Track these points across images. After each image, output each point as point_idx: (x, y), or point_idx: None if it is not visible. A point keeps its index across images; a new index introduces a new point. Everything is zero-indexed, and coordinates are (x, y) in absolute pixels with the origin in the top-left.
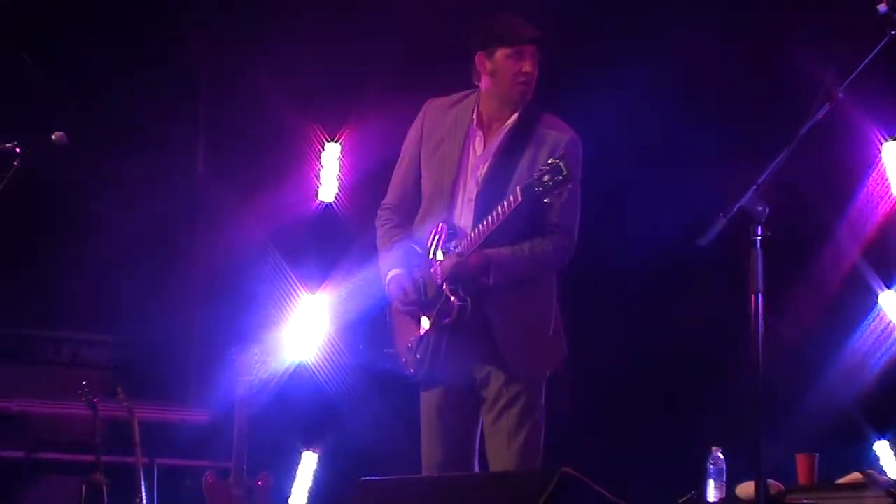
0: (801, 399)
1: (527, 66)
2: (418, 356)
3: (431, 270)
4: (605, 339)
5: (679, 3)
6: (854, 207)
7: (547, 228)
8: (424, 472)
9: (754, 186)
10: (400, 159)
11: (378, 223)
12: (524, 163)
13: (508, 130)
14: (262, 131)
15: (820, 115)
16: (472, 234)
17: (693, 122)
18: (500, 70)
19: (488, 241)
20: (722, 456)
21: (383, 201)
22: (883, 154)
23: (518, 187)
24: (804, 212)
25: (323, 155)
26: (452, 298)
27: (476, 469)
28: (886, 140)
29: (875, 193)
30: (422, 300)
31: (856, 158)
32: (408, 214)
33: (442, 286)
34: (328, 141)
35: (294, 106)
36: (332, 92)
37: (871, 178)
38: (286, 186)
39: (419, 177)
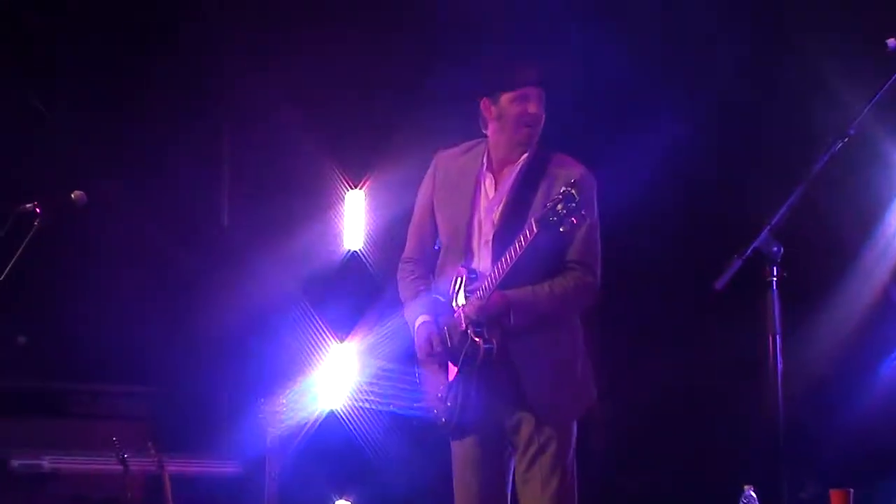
0: (835, 432)
1: (531, 108)
2: (448, 404)
3: (455, 317)
4: (637, 378)
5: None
6: (881, 232)
7: (567, 266)
8: None
9: (768, 226)
10: (415, 212)
11: (399, 276)
12: (538, 200)
13: (519, 170)
14: (286, 179)
15: (833, 151)
16: (492, 274)
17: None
18: (505, 114)
19: (509, 283)
20: (754, 494)
21: (402, 255)
22: None
23: (533, 219)
24: (830, 238)
25: (346, 202)
26: (478, 341)
27: None
28: None
29: None
30: (447, 348)
31: (883, 185)
32: (427, 265)
33: (466, 331)
34: (351, 188)
35: (318, 153)
36: (355, 139)
37: None
38: (312, 234)
39: (435, 228)
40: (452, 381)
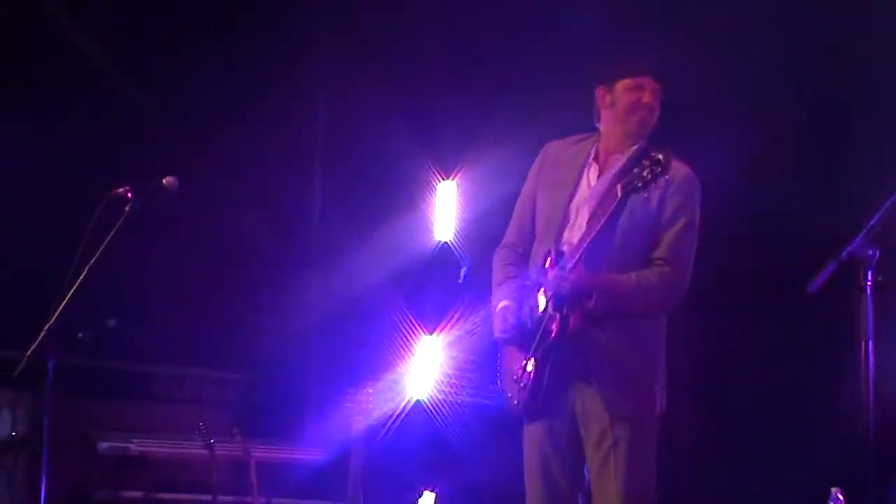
0: None
1: (646, 97)
2: (522, 384)
3: (538, 293)
4: (725, 377)
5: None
6: None
7: (653, 262)
8: None
9: (864, 230)
10: (519, 199)
11: (494, 260)
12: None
13: (625, 162)
14: (379, 170)
15: None
16: (578, 244)
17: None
18: (619, 102)
19: (595, 268)
20: (842, 497)
21: (502, 241)
22: None
23: (619, 184)
24: None
25: (438, 193)
26: (555, 313)
27: None
28: None
29: None
30: (525, 326)
31: None
32: (524, 253)
33: (546, 307)
34: (443, 179)
35: (410, 144)
36: (448, 130)
37: None
38: (404, 225)
39: (535, 215)
40: (528, 358)
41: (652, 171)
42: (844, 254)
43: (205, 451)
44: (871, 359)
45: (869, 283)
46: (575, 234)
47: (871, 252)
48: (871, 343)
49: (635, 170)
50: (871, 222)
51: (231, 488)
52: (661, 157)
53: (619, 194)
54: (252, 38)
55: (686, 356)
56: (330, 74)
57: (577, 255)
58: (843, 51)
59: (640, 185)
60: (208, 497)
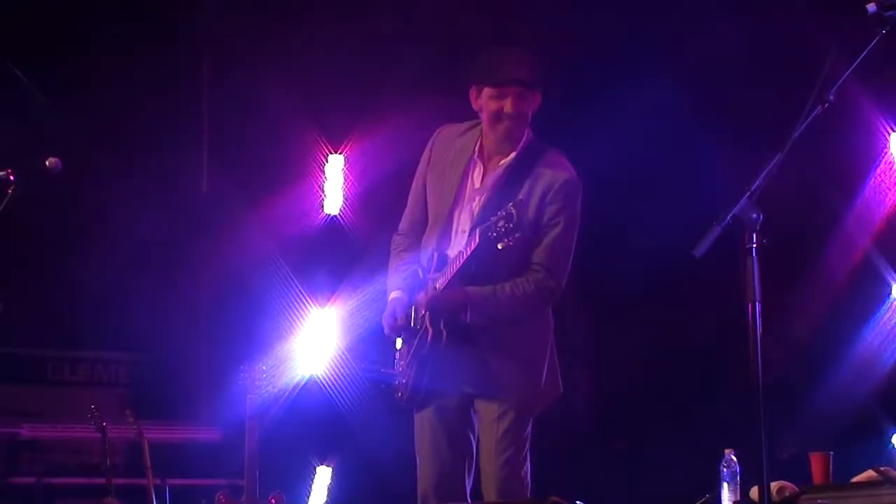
0: (815, 396)
1: (507, 106)
2: (404, 380)
3: (419, 298)
4: (621, 346)
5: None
6: (863, 198)
7: (531, 268)
8: (419, 490)
9: (747, 193)
10: (413, 185)
11: (391, 247)
12: (520, 199)
13: (506, 167)
14: (267, 144)
15: (812, 117)
16: (447, 270)
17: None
18: (484, 108)
19: (475, 278)
20: (735, 458)
21: (399, 226)
22: (890, 145)
23: (478, 229)
24: (812, 204)
25: (326, 167)
26: (429, 329)
27: (468, 487)
28: (894, 131)
29: (883, 184)
30: (409, 326)
31: (863, 149)
32: (418, 240)
33: (423, 316)
34: (332, 153)
35: (298, 118)
36: (336, 104)
37: (878, 169)
38: (291, 199)
39: (426, 204)
40: (410, 359)
41: (505, 227)
42: (728, 217)
43: (97, 434)
44: (759, 321)
45: (754, 246)
46: (459, 238)
47: (754, 215)
48: (758, 305)
49: (493, 217)
50: (754, 185)
51: (125, 470)
52: (514, 212)
53: (478, 240)
54: (137, 10)
55: (582, 326)
56: (217, 46)
57: (450, 275)
58: None
59: (493, 234)
60: (102, 480)
